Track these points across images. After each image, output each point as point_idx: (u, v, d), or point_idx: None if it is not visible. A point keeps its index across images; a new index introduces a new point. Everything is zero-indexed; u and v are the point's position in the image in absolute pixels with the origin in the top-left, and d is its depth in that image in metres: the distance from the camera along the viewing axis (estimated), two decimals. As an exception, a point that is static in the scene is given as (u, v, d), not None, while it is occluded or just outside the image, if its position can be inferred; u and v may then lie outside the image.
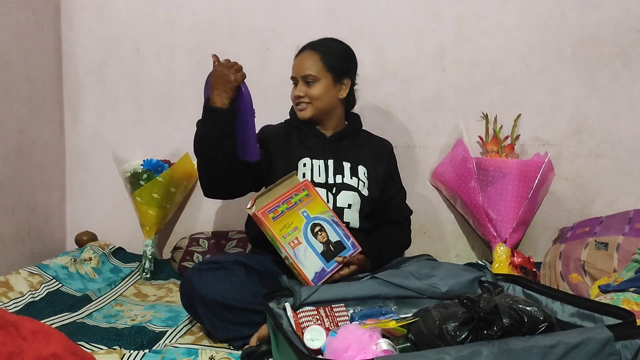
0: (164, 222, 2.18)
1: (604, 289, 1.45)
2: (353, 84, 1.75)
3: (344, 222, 1.62)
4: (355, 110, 1.84)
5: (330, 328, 1.27)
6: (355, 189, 1.67)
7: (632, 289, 1.38)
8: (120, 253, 2.21)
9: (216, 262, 1.52)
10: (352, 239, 1.58)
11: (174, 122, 2.27)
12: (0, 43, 1.91)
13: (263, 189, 1.59)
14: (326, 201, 1.62)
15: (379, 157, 1.77)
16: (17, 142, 2.00)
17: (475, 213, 2.01)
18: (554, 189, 2.12)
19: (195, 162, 2.18)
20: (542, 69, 2.12)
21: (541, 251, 2.07)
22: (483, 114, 2.11)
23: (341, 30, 1.92)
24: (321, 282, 1.46)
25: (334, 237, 1.54)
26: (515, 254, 1.91)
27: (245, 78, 1.49)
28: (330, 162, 1.69)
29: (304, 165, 1.68)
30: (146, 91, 2.28)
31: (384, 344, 1.10)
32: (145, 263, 2.11)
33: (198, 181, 2.25)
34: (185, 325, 1.58)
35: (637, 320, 1.09)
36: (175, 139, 2.25)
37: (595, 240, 1.75)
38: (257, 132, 1.55)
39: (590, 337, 1.01)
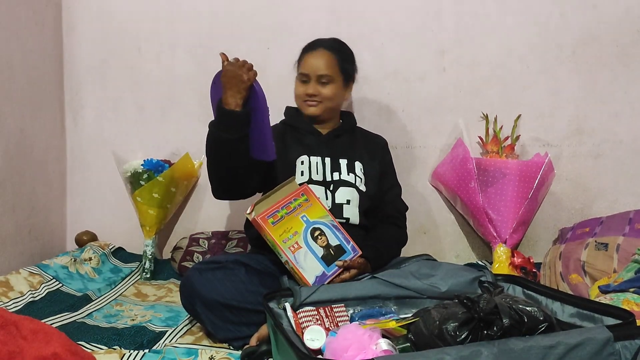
0: (164, 222, 2.18)
1: (604, 290, 1.45)
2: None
3: (344, 218, 1.62)
4: (355, 110, 1.84)
5: (330, 328, 1.27)
6: (353, 185, 1.68)
7: (632, 290, 1.38)
8: (120, 253, 2.21)
9: (216, 262, 1.52)
10: (352, 242, 1.57)
11: (175, 122, 2.27)
12: (1, 43, 1.91)
13: (259, 195, 1.59)
14: (325, 198, 1.62)
15: (373, 153, 1.78)
16: (17, 141, 2.00)
17: (475, 213, 2.01)
18: (554, 189, 2.12)
19: (195, 162, 2.21)
20: (541, 69, 2.12)
21: (541, 252, 2.07)
22: (483, 114, 2.11)
23: (341, 30, 1.92)
24: (322, 285, 1.46)
25: (334, 241, 1.54)
26: (515, 255, 1.91)
27: (257, 76, 1.47)
28: (327, 160, 1.69)
29: (302, 163, 1.68)
30: (147, 91, 2.28)
31: (384, 344, 1.10)
32: (145, 263, 2.11)
33: (198, 181, 2.27)
34: (185, 325, 1.58)
35: (637, 320, 1.09)
36: (176, 139, 2.26)
37: (596, 241, 1.75)
38: None
39: (590, 337, 1.01)
